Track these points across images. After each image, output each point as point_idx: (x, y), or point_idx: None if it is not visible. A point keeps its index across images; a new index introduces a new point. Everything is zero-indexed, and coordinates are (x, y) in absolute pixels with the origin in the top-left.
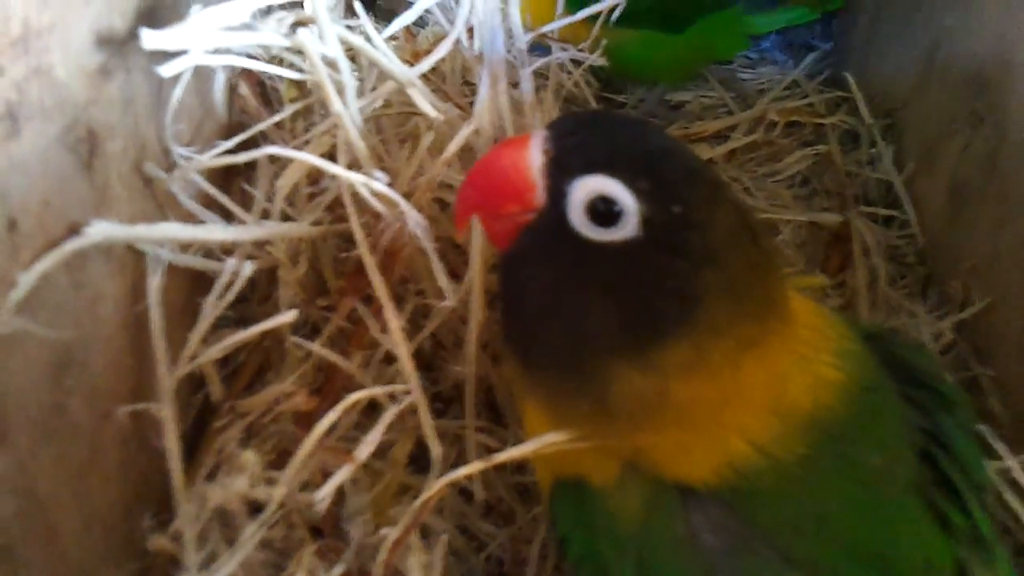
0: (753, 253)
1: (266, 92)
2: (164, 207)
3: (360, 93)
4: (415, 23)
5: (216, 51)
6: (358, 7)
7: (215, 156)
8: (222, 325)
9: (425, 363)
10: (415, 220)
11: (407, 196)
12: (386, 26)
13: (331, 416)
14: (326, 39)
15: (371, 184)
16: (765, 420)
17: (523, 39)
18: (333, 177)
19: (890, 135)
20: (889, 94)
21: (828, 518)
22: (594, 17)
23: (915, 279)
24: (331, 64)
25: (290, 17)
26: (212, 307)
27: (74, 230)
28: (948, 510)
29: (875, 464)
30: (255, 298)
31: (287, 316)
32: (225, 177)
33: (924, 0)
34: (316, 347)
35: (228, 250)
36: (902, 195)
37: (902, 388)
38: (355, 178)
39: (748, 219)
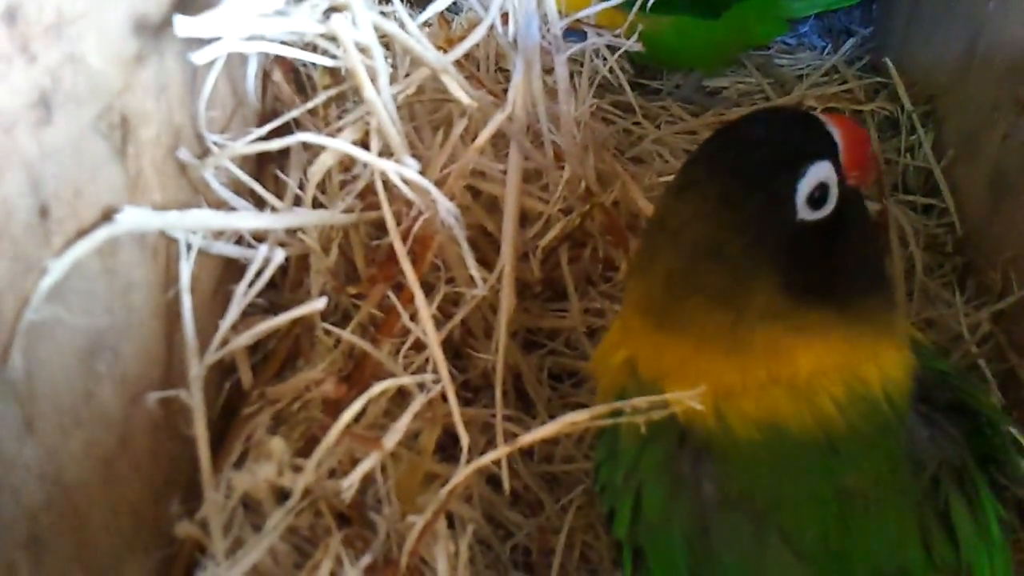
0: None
1: (299, 79)
2: (197, 194)
3: (393, 80)
4: (449, 9)
5: (250, 38)
6: None
7: (249, 143)
8: (252, 312)
9: (454, 351)
10: (446, 208)
11: (439, 184)
12: (420, 12)
13: (359, 403)
14: (360, 25)
15: (403, 172)
16: (832, 401)
17: (558, 24)
18: (365, 165)
19: (930, 122)
20: (929, 80)
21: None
22: (630, 3)
23: (953, 269)
24: (364, 50)
25: (324, 3)
26: (243, 294)
27: (107, 217)
28: (960, 523)
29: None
30: (286, 286)
31: (317, 304)
32: (258, 164)
33: None
34: (346, 334)
35: (259, 237)
36: (941, 183)
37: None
38: (387, 166)
39: None
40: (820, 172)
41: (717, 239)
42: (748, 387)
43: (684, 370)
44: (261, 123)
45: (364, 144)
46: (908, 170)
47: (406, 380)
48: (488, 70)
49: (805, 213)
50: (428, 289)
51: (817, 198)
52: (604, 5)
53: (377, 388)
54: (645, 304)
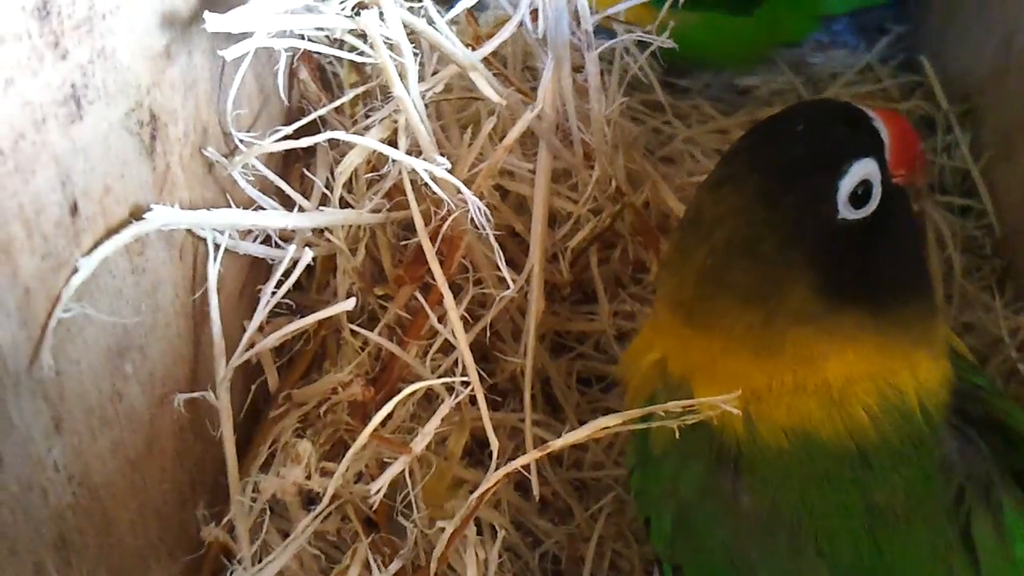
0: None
1: (326, 76)
2: (224, 192)
3: (420, 78)
4: (476, 7)
5: (279, 34)
6: None
7: (276, 141)
8: (279, 313)
9: (482, 354)
10: (476, 206)
11: (467, 183)
12: (448, 8)
13: (388, 407)
14: (389, 22)
15: (432, 170)
16: (865, 410)
17: (590, 20)
18: (393, 163)
19: (967, 122)
20: (966, 79)
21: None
22: (660, 1)
23: (992, 271)
24: (393, 47)
25: (351, 2)
26: (269, 295)
27: (135, 215)
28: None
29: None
30: (312, 286)
31: (345, 305)
32: (285, 163)
33: None
34: (373, 336)
35: (287, 237)
36: (979, 184)
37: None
38: (416, 164)
39: None
40: (864, 170)
41: (752, 236)
42: (777, 392)
43: (713, 369)
44: (288, 121)
45: (392, 143)
46: (945, 170)
47: (435, 383)
48: (516, 68)
49: (846, 212)
50: (456, 291)
51: (860, 196)
52: (634, 1)
53: (405, 392)
54: (675, 300)
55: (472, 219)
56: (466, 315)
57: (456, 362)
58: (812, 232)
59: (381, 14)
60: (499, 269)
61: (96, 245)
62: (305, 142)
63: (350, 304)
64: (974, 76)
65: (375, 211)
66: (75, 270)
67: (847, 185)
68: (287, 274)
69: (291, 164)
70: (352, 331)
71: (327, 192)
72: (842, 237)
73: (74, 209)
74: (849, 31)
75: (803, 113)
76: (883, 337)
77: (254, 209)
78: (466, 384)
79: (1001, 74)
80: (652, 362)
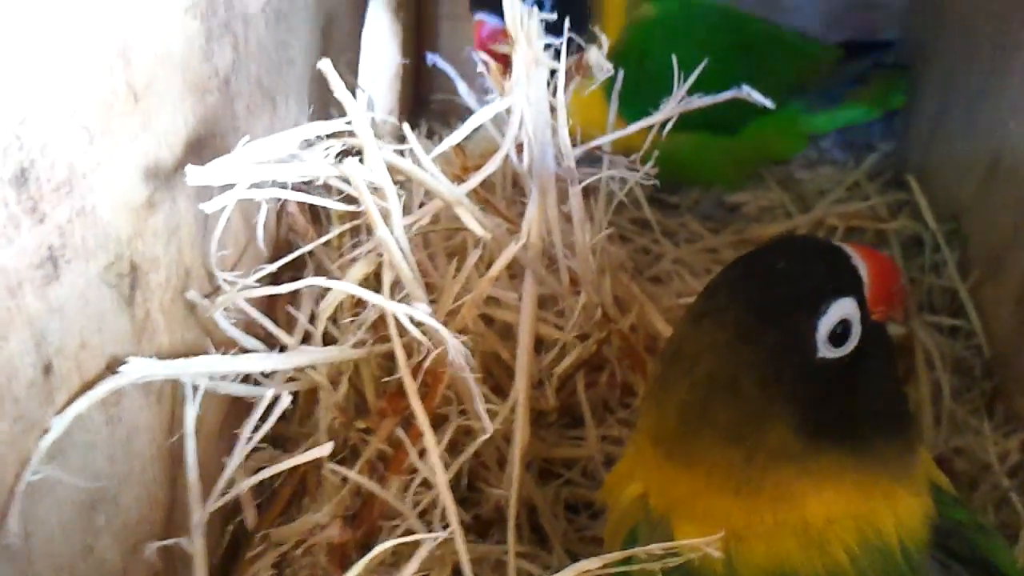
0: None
1: (315, 208)
2: (207, 331)
3: (408, 209)
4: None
5: (262, 184)
6: (407, 129)
7: (258, 283)
8: (259, 447)
9: (467, 483)
10: (456, 349)
11: (452, 314)
12: (437, 140)
13: (363, 562)
14: (372, 167)
15: (413, 314)
16: (845, 551)
17: (572, 158)
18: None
19: (954, 240)
20: (953, 198)
21: None
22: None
23: (981, 393)
24: (378, 190)
25: (336, 146)
26: (247, 438)
27: (112, 367)
28: None
29: None
30: (294, 418)
31: (322, 450)
32: (270, 297)
33: (987, 103)
34: (353, 475)
35: (268, 372)
36: (967, 304)
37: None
38: (397, 308)
39: None
40: (843, 309)
41: (733, 373)
42: (757, 530)
43: (693, 505)
44: (275, 253)
45: (378, 275)
46: (933, 290)
47: (414, 525)
48: (504, 188)
49: (826, 351)
50: (441, 420)
51: (839, 335)
52: (620, 133)
53: (380, 549)
54: (657, 433)
55: (457, 348)
56: (450, 447)
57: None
58: (792, 371)
59: (366, 160)
60: (486, 402)
61: (70, 402)
62: (286, 288)
63: (327, 449)
64: (960, 195)
65: (358, 346)
66: (46, 430)
67: (826, 325)
68: (267, 412)
69: (276, 298)
70: (332, 469)
71: (310, 328)
72: (822, 376)
73: (48, 369)
74: (837, 147)
75: (784, 250)
76: (863, 476)
77: (235, 353)
78: (447, 525)
79: (987, 193)
80: (634, 496)
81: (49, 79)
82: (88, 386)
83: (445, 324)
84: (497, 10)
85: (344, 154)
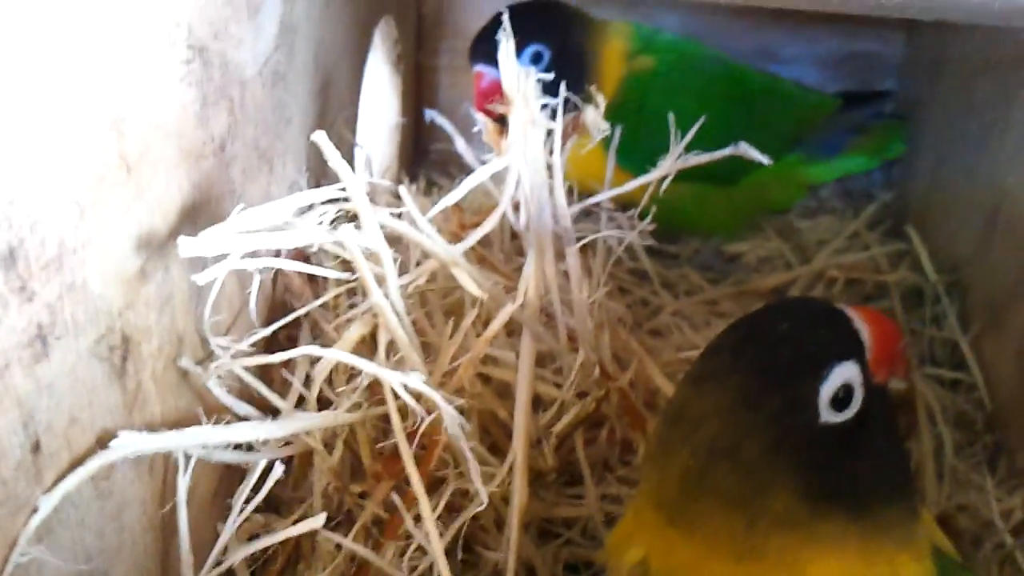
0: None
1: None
2: (200, 397)
3: (405, 267)
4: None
5: (255, 253)
6: (403, 191)
7: (252, 347)
8: (252, 512)
9: (464, 545)
10: (451, 417)
11: (449, 374)
12: (437, 190)
13: None
14: (368, 233)
15: (407, 382)
16: None
17: (568, 218)
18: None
19: (955, 292)
20: (953, 249)
21: None
22: (642, 172)
23: (983, 448)
24: (373, 255)
25: (331, 213)
26: (242, 506)
27: (102, 442)
28: None
29: None
30: (289, 481)
31: (316, 521)
32: None
33: (986, 153)
34: (347, 542)
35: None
36: (968, 357)
37: None
38: (391, 376)
39: None
40: (844, 374)
41: (734, 439)
42: None
43: (696, 571)
44: (270, 314)
45: (374, 335)
46: (934, 342)
47: None
48: (503, 242)
49: (828, 415)
50: (438, 483)
51: (841, 400)
52: (619, 191)
53: None
54: (659, 498)
55: (452, 415)
56: (447, 511)
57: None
58: (794, 437)
59: (361, 226)
60: (483, 463)
61: (59, 480)
62: (279, 357)
63: (320, 520)
64: (961, 246)
65: (353, 409)
66: (35, 510)
67: (828, 390)
68: (261, 479)
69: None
70: (326, 536)
71: (304, 392)
72: (824, 441)
73: (36, 447)
74: (836, 196)
75: (785, 313)
76: (865, 542)
77: (226, 423)
78: None
79: (987, 245)
80: (635, 561)
81: (39, 157)
82: (78, 462)
83: (442, 385)
84: (496, 62)
85: (341, 218)
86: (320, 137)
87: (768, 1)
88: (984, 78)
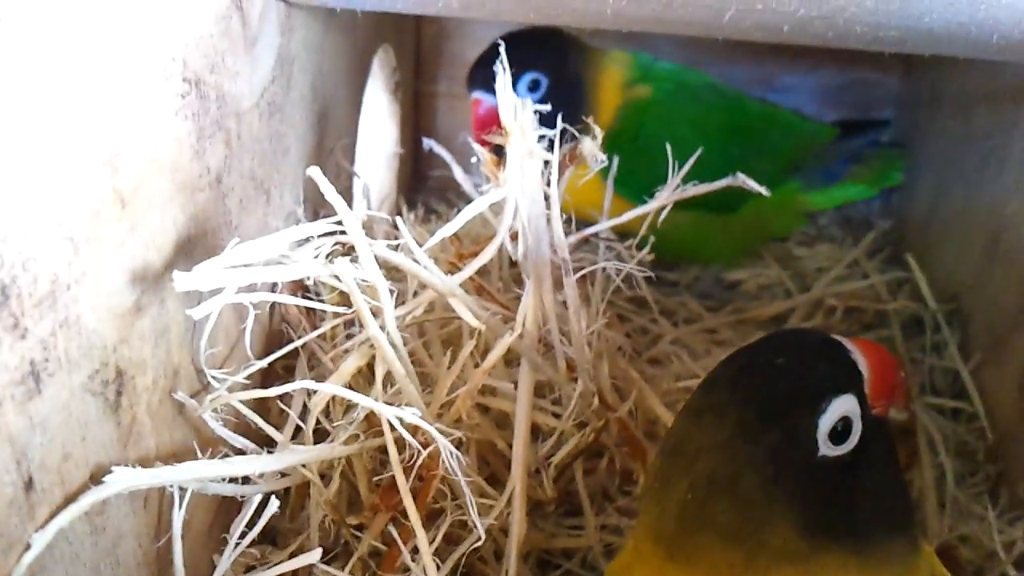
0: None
1: (308, 296)
2: (196, 430)
3: (402, 299)
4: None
5: (251, 287)
6: (400, 223)
7: (248, 380)
8: (249, 544)
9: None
10: (448, 451)
11: (447, 405)
12: (435, 217)
13: None
14: (364, 266)
15: (403, 416)
16: None
17: (566, 249)
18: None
19: (955, 321)
20: (953, 277)
21: None
22: (641, 201)
23: (985, 478)
24: (370, 288)
25: (327, 246)
26: (238, 540)
27: (96, 478)
28: None
29: None
30: (286, 512)
31: (312, 556)
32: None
33: (985, 181)
34: (344, 575)
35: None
36: (969, 386)
37: None
38: (387, 411)
39: None
40: (843, 406)
41: (732, 472)
42: None
43: None
44: (267, 345)
45: (371, 366)
46: (935, 371)
47: None
48: (501, 271)
49: (826, 448)
50: (436, 515)
51: (840, 432)
52: (614, 222)
53: None
54: (657, 531)
55: (449, 451)
56: (448, 537)
57: None
58: (793, 470)
59: (357, 258)
60: (482, 494)
61: (52, 516)
62: (275, 391)
63: (316, 556)
64: (960, 274)
65: (350, 440)
66: (28, 546)
67: (827, 423)
68: (257, 511)
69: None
70: (323, 571)
71: (301, 424)
72: (823, 475)
73: (29, 485)
74: (835, 224)
75: (783, 345)
76: None
77: (222, 456)
78: None
79: (986, 276)
80: None
81: (32, 193)
82: (71, 499)
83: (439, 416)
84: (494, 89)
85: (337, 249)
86: (315, 172)
87: (765, 37)
88: (982, 107)
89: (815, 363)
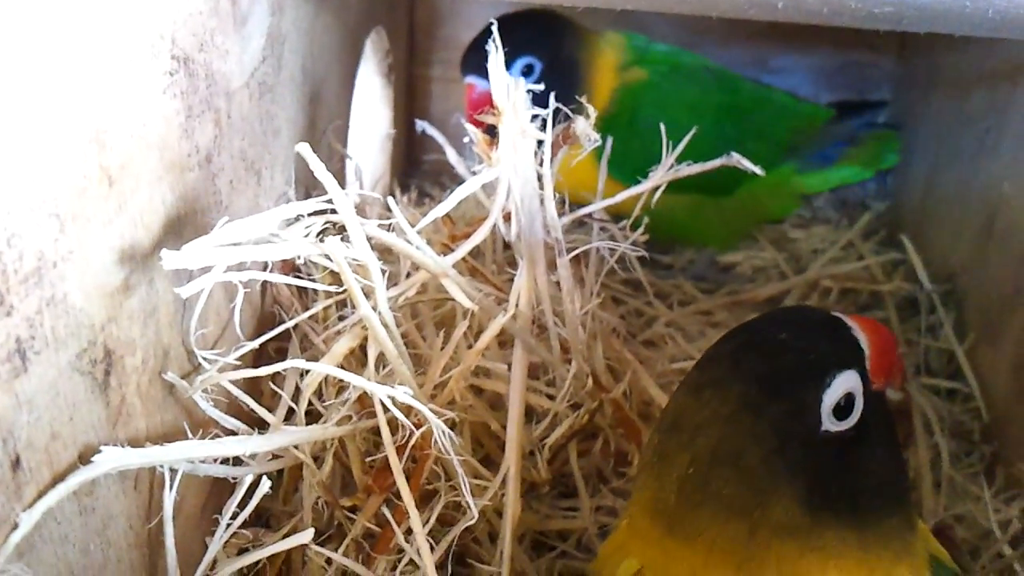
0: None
1: (300, 276)
2: (186, 411)
3: (395, 279)
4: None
5: (240, 266)
6: (392, 203)
7: (239, 360)
8: (242, 525)
9: (457, 558)
10: (441, 431)
11: (441, 386)
12: (429, 200)
13: None
14: (355, 244)
15: (395, 395)
16: None
17: (560, 229)
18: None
19: (950, 302)
20: (948, 258)
21: None
22: (634, 182)
23: (980, 458)
24: (362, 267)
25: (318, 224)
26: (230, 521)
27: (85, 457)
28: None
29: None
30: (278, 494)
31: (304, 536)
32: None
33: (980, 162)
34: (337, 556)
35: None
36: (964, 367)
37: None
38: (379, 390)
39: None
40: (847, 382)
41: (736, 446)
42: None
43: None
44: (259, 326)
45: (364, 348)
46: (930, 352)
47: None
48: (495, 252)
49: (829, 424)
50: (430, 496)
51: (843, 408)
52: (610, 201)
53: None
54: (656, 507)
55: (442, 430)
56: (441, 519)
57: None
58: (797, 444)
59: (349, 237)
60: (476, 476)
61: (40, 496)
62: (266, 370)
63: (308, 536)
64: (955, 255)
65: (343, 422)
66: (15, 526)
67: (831, 398)
68: (249, 492)
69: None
70: (316, 551)
71: (293, 405)
72: (826, 450)
73: (16, 464)
74: (830, 206)
75: (785, 321)
76: (864, 553)
77: (213, 437)
78: None
79: (981, 256)
80: (630, 573)
81: (17, 169)
82: (59, 478)
83: (433, 397)
84: (487, 73)
85: (329, 229)
86: (304, 148)
87: (759, 15)
88: (977, 88)
89: (819, 339)
